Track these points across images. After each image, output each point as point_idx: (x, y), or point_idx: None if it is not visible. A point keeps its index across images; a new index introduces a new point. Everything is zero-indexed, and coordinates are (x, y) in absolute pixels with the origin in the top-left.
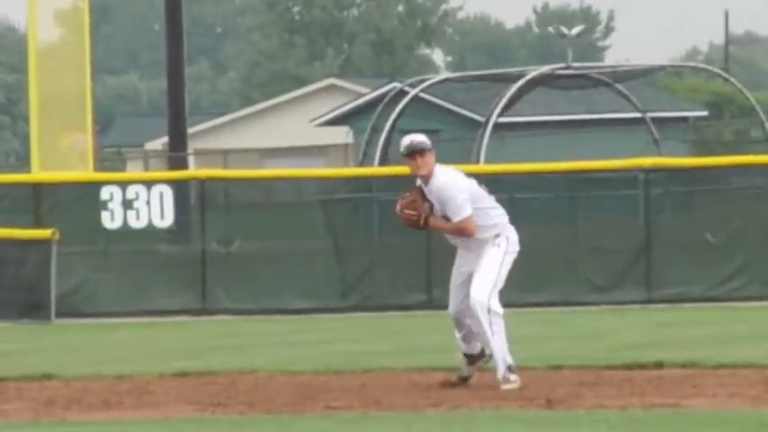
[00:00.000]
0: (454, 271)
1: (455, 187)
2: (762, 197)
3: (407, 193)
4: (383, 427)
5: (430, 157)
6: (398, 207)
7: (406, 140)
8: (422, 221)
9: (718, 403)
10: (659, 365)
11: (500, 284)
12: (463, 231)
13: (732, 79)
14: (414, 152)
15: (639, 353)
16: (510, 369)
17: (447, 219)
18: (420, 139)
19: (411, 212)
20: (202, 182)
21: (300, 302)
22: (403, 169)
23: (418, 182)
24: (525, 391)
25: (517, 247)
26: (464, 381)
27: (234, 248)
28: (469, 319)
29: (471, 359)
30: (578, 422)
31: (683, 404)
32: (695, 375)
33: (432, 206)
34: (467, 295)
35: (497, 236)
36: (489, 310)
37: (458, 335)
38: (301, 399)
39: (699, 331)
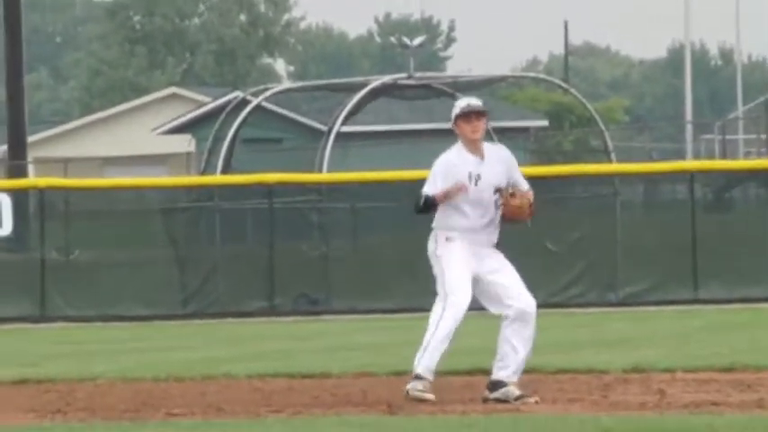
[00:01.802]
0: (465, 267)
1: None
2: (601, 206)
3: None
4: None
5: (486, 124)
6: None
7: (463, 102)
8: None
9: (559, 409)
10: None
11: None
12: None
13: (572, 90)
14: (471, 113)
15: (480, 358)
16: None
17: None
18: (475, 101)
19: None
20: (42, 190)
21: (141, 309)
22: (245, 178)
23: (465, 167)
24: (367, 397)
25: None
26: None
27: (74, 257)
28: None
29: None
30: (420, 428)
31: (523, 409)
32: (536, 381)
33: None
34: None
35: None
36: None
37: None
38: (142, 406)
39: (539, 337)
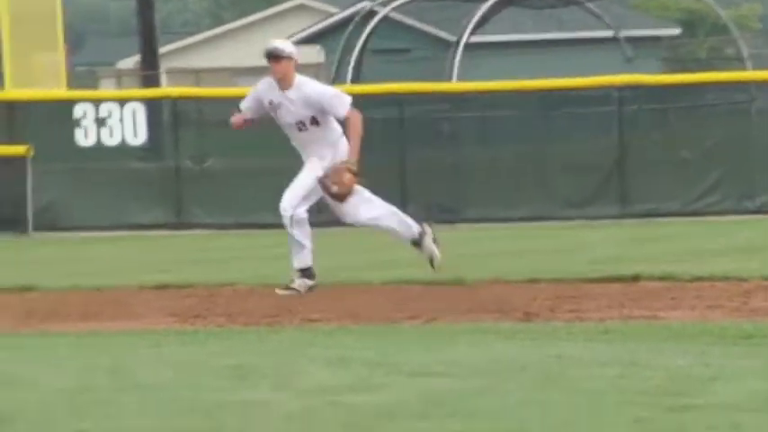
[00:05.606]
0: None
1: (322, 85)
2: (736, 113)
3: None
4: (360, 339)
5: (286, 65)
6: (334, 188)
7: (266, 45)
8: (354, 170)
9: (697, 315)
10: (636, 278)
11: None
12: (359, 122)
13: None
14: (268, 57)
15: (616, 266)
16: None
17: (316, 123)
18: (276, 45)
19: (346, 177)
20: (175, 100)
21: (274, 218)
22: (375, 87)
23: (268, 95)
24: (503, 304)
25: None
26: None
27: (207, 165)
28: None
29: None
30: (556, 334)
31: (660, 316)
32: (673, 288)
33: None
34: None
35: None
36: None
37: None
38: (279, 311)
39: (675, 245)
